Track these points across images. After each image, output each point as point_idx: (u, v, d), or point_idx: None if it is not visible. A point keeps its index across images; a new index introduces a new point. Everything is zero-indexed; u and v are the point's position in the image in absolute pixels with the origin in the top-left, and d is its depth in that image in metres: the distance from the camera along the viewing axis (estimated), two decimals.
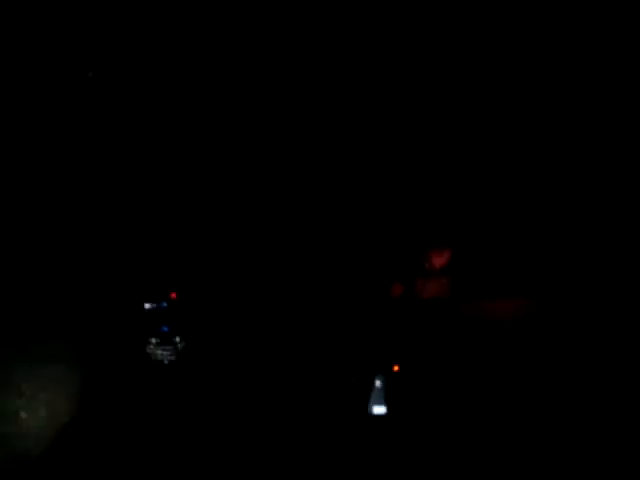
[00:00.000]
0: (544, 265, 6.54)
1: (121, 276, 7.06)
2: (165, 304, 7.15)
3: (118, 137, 7.03)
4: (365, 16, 6.87)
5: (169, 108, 7.17)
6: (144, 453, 6.42)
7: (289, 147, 7.22)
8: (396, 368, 6.39)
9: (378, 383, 6.39)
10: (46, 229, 6.83)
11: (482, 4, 6.71)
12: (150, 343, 7.08)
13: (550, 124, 6.86)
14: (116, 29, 6.82)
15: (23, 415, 6.13)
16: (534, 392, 6.15)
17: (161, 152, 7.23)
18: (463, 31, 6.85)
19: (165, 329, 7.13)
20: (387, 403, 6.35)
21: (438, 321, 6.68)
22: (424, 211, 6.93)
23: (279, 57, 7.04)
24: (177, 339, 7.14)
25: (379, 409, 6.38)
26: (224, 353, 7.12)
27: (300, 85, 7.12)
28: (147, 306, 7.10)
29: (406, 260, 6.83)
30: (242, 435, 6.60)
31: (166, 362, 7.10)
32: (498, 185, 6.79)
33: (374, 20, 6.89)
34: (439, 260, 6.87)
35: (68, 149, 7.03)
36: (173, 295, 7.16)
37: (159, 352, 7.10)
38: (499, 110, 6.84)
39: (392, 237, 6.94)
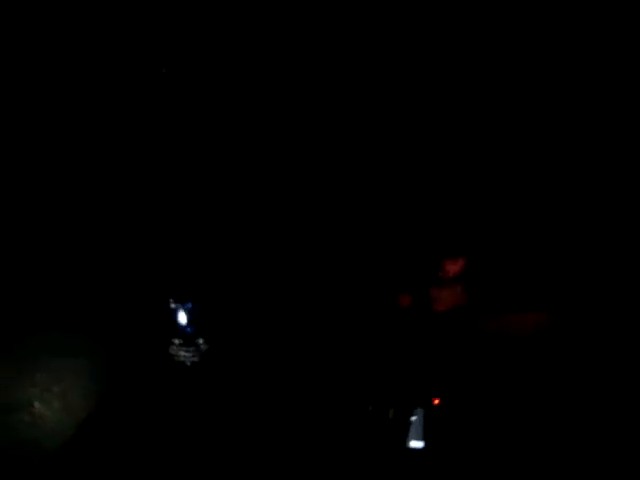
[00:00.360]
0: (566, 274, 6.17)
1: (148, 273, 6.97)
2: (190, 304, 7.02)
3: (123, 135, 6.97)
4: (365, 16, 6.67)
5: (167, 108, 7.09)
6: (156, 454, 6.26)
7: (298, 148, 7.04)
8: (436, 401, 6.00)
9: (416, 417, 6.01)
10: (70, 220, 6.81)
11: (482, 4, 6.45)
12: (173, 343, 6.95)
13: (565, 129, 6.46)
14: (116, 29, 6.80)
15: (36, 405, 6.05)
16: (561, 413, 5.78)
17: (170, 150, 7.15)
18: (463, 31, 6.61)
19: (189, 330, 6.99)
20: (425, 438, 5.97)
21: (459, 339, 6.32)
22: (437, 215, 6.56)
23: (279, 57, 6.88)
24: (200, 341, 6.99)
25: (417, 443, 6.01)
26: (246, 358, 6.94)
27: (300, 85, 6.94)
28: (172, 305, 6.99)
29: (417, 268, 6.44)
30: (256, 444, 6.37)
31: (188, 364, 6.95)
32: (516, 188, 6.47)
33: (374, 20, 6.68)
34: (453, 267, 6.41)
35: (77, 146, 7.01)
36: (197, 297, 7.03)
37: (182, 353, 6.96)
38: (511, 113, 6.48)
39: (403, 244, 6.60)
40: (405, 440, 6.03)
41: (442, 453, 5.98)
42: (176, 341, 6.96)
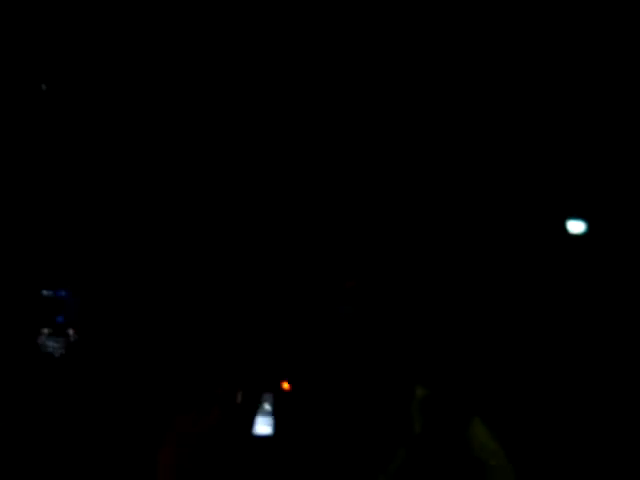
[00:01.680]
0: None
1: (18, 257, 6.60)
2: (64, 293, 6.63)
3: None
4: (365, 16, 6.60)
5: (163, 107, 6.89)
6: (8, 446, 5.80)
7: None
8: (286, 386, 5.65)
9: (265, 402, 5.61)
10: None
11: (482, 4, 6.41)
12: (41, 333, 6.54)
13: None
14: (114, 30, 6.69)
15: None
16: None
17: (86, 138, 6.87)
18: (463, 31, 6.54)
19: (60, 319, 6.58)
20: (274, 424, 5.55)
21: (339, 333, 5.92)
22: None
23: (279, 57, 6.78)
24: (71, 331, 6.57)
25: (264, 429, 5.58)
26: (118, 351, 6.50)
27: (300, 86, 6.85)
28: (44, 292, 6.60)
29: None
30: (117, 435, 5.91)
31: (56, 355, 6.52)
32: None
33: (374, 20, 6.62)
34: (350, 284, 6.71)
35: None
36: (70, 286, 6.64)
37: (50, 344, 6.53)
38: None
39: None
40: (252, 426, 5.64)
41: (292, 441, 5.59)
42: (45, 330, 6.56)
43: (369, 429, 5.64)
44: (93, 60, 6.68)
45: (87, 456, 5.91)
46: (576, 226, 6.36)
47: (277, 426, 5.67)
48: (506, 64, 6.51)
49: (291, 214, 6.77)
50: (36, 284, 6.57)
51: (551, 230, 6.44)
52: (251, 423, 5.82)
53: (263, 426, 5.67)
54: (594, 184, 6.38)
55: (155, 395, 6.29)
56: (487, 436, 2.76)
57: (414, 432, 2.83)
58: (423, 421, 2.80)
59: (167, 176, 6.85)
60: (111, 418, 6.19)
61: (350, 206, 6.71)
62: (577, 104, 6.38)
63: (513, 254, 6.42)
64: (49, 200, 6.59)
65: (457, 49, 6.54)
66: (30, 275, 6.57)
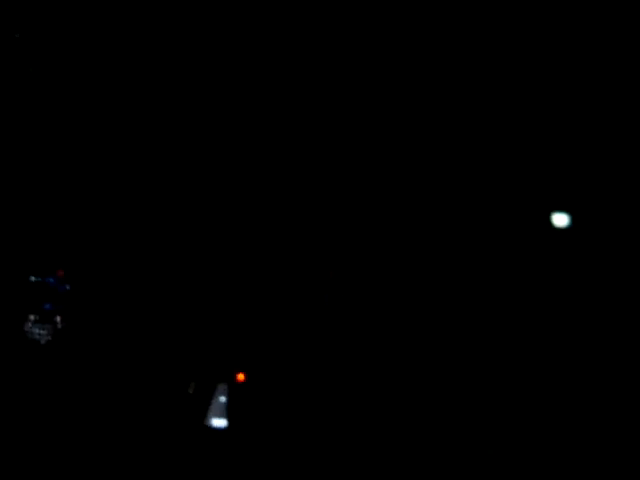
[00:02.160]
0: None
1: (7, 243, 6.67)
2: (52, 279, 6.62)
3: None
4: (366, 17, 6.59)
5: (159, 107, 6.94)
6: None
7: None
8: (241, 377, 5.37)
9: (220, 393, 5.36)
10: None
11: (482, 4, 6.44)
12: (28, 320, 6.55)
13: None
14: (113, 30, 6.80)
15: None
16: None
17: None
18: (463, 32, 6.53)
19: (47, 307, 6.57)
20: (229, 416, 5.28)
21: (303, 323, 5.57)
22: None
23: (279, 57, 6.73)
24: (58, 319, 6.54)
25: (219, 422, 5.32)
26: (105, 340, 6.42)
27: (299, 86, 6.77)
28: (31, 279, 6.61)
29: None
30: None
31: (42, 342, 6.51)
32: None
33: (375, 21, 6.60)
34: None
35: None
36: (60, 272, 6.61)
37: (36, 331, 6.53)
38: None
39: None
40: (206, 418, 5.41)
41: (247, 433, 5.33)
42: (31, 317, 6.57)
43: (327, 422, 5.27)
44: (93, 60, 6.70)
45: (72, 445, 5.88)
46: (561, 219, 6.17)
47: (231, 418, 5.37)
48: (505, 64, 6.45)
49: (275, 207, 6.54)
50: (24, 270, 6.59)
51: (536, 223, 6.30)
52: (205, 415, 5.56)
53: (217, 418, 5.38)
54: (579, 178, 6.27)
55: (138, 385, 6.18)
56: None
57: None
58: None
59: (155, 168, 6.77)
60: (96, 407, 6.14)
61: (337, 202, 6.44)
62: (560, 100, 6.27)
63: (497, 248, 6.30)
64: (38, 187, 6.61)
65: (455, 49, 6.52)
66: (18, 261, 6.60)
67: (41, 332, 6.52)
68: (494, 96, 6.40)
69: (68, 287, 6.62)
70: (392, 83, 6.61)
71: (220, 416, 5.48)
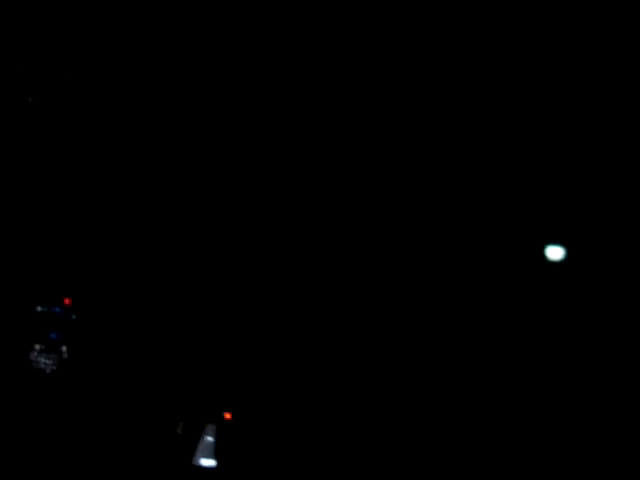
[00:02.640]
0: None
1: (14, 273, 6.72)
2: (58, 309, 6.64)
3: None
4: (366, 17, 6.59)
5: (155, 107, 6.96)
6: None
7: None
8: (228, 416, 5.30)
9: (208, 433, 5.29)
10: None
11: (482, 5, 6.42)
12: (34, 350, 6.59)
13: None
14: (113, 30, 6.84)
15: None
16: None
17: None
18: (463, 32, 6.49)
19: (53, 336, 6.60)
20: (217, 455, 5.19)
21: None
22: None
23: (279, 57, 6.77)
24: (64, 348, 6.56)
25: (208, 462, 5.24)
26: (110, 369, 6.43)
27: (299, 86, 6.81)
28: (38, 309, 6.66)
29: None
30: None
31: (48, 372, 6.55)
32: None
33: (375, 21, 6.60)
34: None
35: None
36: (67, 301, 6.64)
37: (42, 360, 6.57)
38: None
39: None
40: (194, 458, 5.34)
41: (235, 473, 5.25)
42: (37, 347, 6.60)
43: (315, 460, 5.16)
44: (92, 60, 6.65)
45: (76, 472, 5.90)
46: (555, 252, 6.09)
47: (219, 457, 5.28)
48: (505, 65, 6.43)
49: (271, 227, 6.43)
50: (30, 299, 6.64)
51: (530, 256, 6.20)
52: (193, 454, 5.48)
53: (205, 457, 5.30)
54: (573, 210, 6.20)
55: (143, 412, 6.17)
56: None
57: None
58: None
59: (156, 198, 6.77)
60: (100, 434, 6.15)
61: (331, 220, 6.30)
62: (554, 129, 6.24)
63: (491, 278, 6.25)
64: (44, 216, 6.65)
65: (454, 49, 6.48)
66: (24, 291, 6.65)
67: (47, 362, 6.54)
68: (493, 99, 6.39)
69: (74, 317, 6.63)
70: (392, 83, 6.59)
71: (208, 456, 5.38)
